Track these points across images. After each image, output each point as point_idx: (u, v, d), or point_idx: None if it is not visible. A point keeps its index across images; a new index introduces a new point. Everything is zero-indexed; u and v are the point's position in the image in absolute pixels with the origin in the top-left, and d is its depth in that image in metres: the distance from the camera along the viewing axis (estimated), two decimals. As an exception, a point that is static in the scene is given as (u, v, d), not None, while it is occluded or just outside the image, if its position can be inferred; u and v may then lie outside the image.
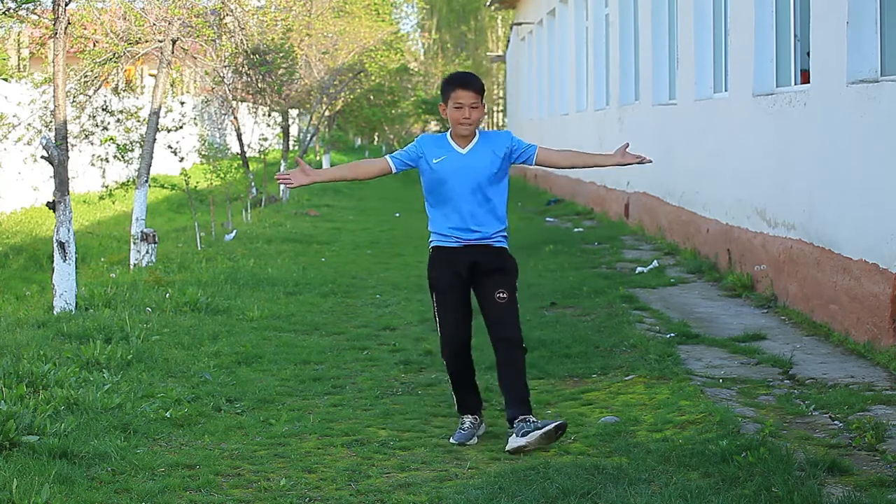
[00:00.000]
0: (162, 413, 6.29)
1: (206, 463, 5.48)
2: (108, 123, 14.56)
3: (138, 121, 14.60)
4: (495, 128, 62.09)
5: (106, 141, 14.23)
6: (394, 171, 5.90)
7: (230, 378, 7.28)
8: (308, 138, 25.91)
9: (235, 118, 23.89)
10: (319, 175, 5.98)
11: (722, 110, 11.99)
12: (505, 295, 5.81)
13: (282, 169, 24.25)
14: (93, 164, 14.64)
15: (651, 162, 5.97)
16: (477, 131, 5.90)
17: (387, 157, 5.97)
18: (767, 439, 5.43)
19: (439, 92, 5.99)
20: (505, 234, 5.94)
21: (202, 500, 4.98)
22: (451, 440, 5.86)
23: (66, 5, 9.63)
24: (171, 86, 16.94)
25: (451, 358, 5.91)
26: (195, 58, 16.72)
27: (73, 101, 14.20)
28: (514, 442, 5.67)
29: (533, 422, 5.68)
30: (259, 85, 20.09)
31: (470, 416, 5.97)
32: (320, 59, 25.29)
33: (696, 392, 6.58)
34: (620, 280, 11.28)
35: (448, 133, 5.94)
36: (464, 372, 5.97)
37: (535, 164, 5.97)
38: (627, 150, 5.91)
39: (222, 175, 17.16)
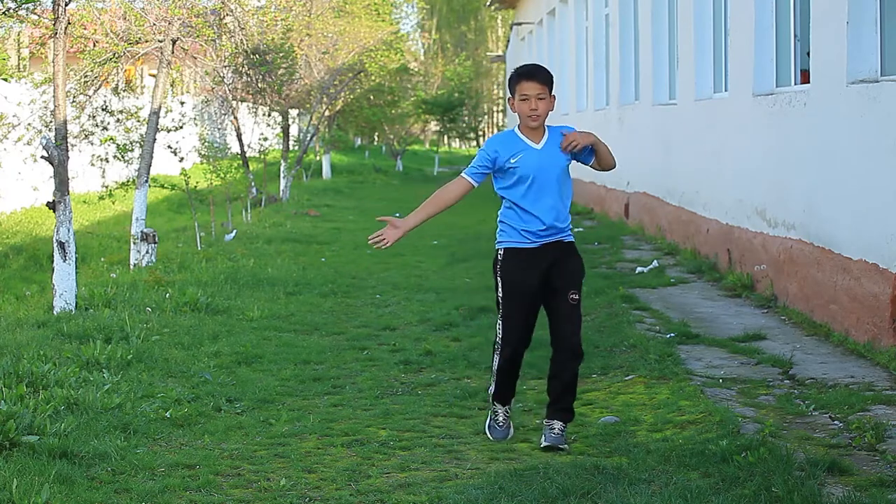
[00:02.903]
0: (162, 413, 6.29)
1: (206, 463, 5.48)
2: (108, 123, 14.55)
3: (138, 121, 14.60)
4: (495, 129, 62.05)
5: (106, 141, 14.22)
6: (475, 186, 5.75)
7: (230, 378, 7.28)
8: (308, 138, 25.91)
9: (235, 118, 23.89)
10: (410, 222, 5.71)
11: (722, 110, 11.98)
12: (577, 297, 5.70)
13: (282, 169, 24.27)
14: (93, 164, 14.64)
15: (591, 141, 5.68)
16: (545, 125, 5.75)
17: (463, 174, 5.79)
18: (767, 439, 5.43)
19: (507, 85, 5.83)
20: (570, 225, 5.82)
21: (202, 500, 4.98)
22: (491, 436, 5.93)
23: (66, 5, 9.63)
24: (171, 86, 16.94)
25: (509, 359, 5.82)
26: (195, 58, 16.71)
27: (73, 101, 14.20)
28: (544, 442, 5.77)
29: (556, 433, 5.76)
30: (259, 85, 20.08)
31: (502, 408, 5.96)
32: (320, 59, 25.30)
33: (696, 392, 6.58)
34: (620, 280, 11.27)
35: (516, 128, 5.78)
36: (513, 371, 5.93)
37: (590, 165, 5.83)
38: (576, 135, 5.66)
39: (222, 175, 17.17)
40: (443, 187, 5.83)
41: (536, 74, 5.67)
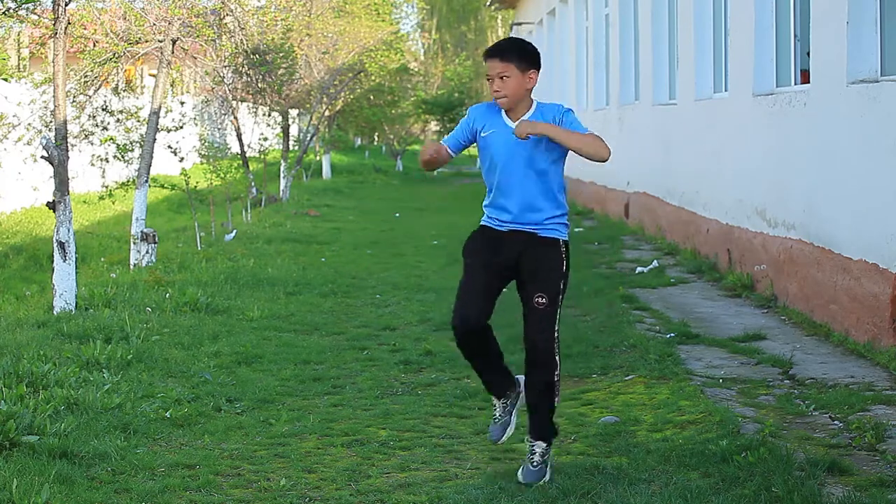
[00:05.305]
0: (162, 413, 6.29)
1: (206, 463, 5.48)
2: (108, 123, 14.55)
3: (138, 121, 14.60)
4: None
5: (106, 141, 14.22)
6: (452, 155, 5.29)
7: (230, 378, 7.28)
8: (308, 138, 25.90)
9: (235, 118, 23.88)
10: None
11: (722, 110, 11.99)
12: (544, 300, 5.14)
13: (282, 169, 24.25)
14: (93, 164, 14.63)
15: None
16: (535, 102, 5.20)
17: (441, 141, 5.32)
18: (767, 439, 5.43)
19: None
20: (562, 220, 5.26)
21: (202, 500, 4.98)
22: (489, 438, 5.51)
23: (66, 5, 9.62)
24: (171, 86, 16.94)
25: (457, 335, 5.23)
26: (195, 58, 16.71)
27: (73, 101, 14.19)
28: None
29: (535, 464, 5.21)
30: (259, 85, 20.08)
31: (498, 401, 5.44)
32: (320, 59, 25.29)
33: (696, 392, 6.58)
34: (620, 280, 11.27)
35: None
36: (475, 355, 5.30)
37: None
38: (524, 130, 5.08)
39: (222, 175, 17.16)
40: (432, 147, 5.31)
41: (496, 52, 5.14)
